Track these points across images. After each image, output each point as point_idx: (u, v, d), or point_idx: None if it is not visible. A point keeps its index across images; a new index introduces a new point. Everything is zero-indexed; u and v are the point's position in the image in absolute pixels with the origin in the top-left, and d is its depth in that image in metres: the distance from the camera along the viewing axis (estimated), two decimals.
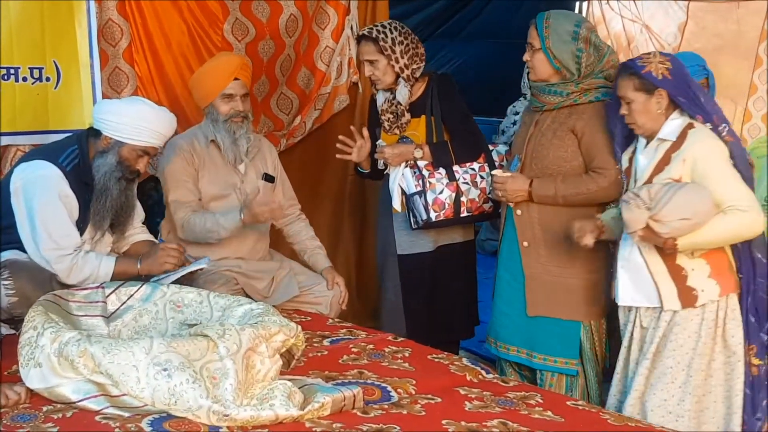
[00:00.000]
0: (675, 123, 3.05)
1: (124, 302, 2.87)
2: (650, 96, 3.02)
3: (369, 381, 2.73)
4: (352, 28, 4.88)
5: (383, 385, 2.69)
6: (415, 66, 3.91)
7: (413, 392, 2.67)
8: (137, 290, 2.90)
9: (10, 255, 3.18)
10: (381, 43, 3.86)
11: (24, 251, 3.23)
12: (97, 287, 2.90)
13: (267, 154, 3.98)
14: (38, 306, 2.60)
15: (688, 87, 3.03)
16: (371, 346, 3.12)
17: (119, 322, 2.82)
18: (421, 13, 7.06)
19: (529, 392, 2.74)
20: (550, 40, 3.36)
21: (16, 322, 3.05)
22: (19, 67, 3.73)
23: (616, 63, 3.39)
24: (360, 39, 3.99)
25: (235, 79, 3.72)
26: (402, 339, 3.26)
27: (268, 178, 3.92)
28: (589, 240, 3.15)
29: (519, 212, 3.46)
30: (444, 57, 7.16)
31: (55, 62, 3.84)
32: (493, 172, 3.57)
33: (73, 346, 2.33)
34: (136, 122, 3.30)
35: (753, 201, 2.94)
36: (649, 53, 3.12)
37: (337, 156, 4.06)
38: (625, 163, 3.23)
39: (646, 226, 2.91)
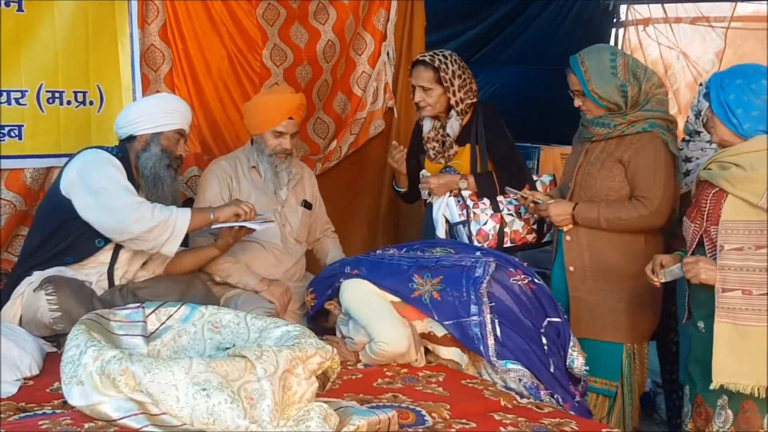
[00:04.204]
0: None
1: (164, 322, 2.91)
2: (330, 314, 3.44)
3: (403, 405, 2.74)
4: (388, 54, 4.94)
5: (417, 408, 2.70)
6: (468, 101, 3.92)
7: (447, 417, 2.66)
8: (176, 310, 2.94)
9: (53, 271, 3.25)
10: (442, 73, 3.84)
11: (64, 265, 3.30)
12: (138, 307, 2.94)
13: (307, 180, 4.04)
14: (81, 325, 2.64)
15: (325, 282, 3.42)
16: (405, 370, 3.13)
17: (158, 342, 2.86)
18: (458, 40, 7.10)
19: (564, 419, 2.72)
20: (592, 82, 3.38)
21: (58, 337, 3.11)
22: (63, 91, 3.82)
23: (659, 83, 3.43)
24: (418, 64, 3.93)
25: (290, 118, 3.78)
26: (436, 363, 3.26)
27: (307, 205, 3.98)
28: None
29: (568, 238, 3.51)
30: (480, 82, 7.16)
31: (98, 86, 3.93)
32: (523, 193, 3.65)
33: (115, 365, 2.36)
34: (161, 109, 3.46)
35: (381, 328, 3.13)
36: None
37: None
38: None
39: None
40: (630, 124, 3.38)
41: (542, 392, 3.03)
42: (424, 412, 2.67)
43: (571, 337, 3.18)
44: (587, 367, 3.18)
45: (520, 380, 3.04)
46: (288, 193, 3.92)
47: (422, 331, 3.23)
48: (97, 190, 3.23)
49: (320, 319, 3.55)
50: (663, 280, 3.01)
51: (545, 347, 3.11)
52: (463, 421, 2.63)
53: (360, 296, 3.25)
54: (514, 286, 3.18)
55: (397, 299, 3.22)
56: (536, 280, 3.23)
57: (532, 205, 3.63)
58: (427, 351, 3.27)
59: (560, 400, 3.03)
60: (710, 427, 2.86)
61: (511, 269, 3.22)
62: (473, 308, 3.10)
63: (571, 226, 3.50)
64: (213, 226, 3.48)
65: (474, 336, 3.08)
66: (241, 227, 3.50)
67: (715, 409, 2.85)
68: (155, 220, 3.23)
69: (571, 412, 2.92)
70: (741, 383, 2.70)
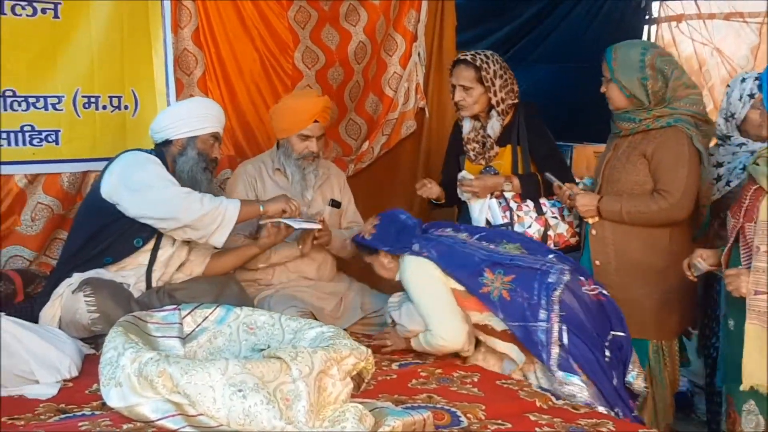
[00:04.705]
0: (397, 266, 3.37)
1: (200, 324, 2.93)
2: (377, 255, 3.44)
3: (438, 405, 2.73)
4: (419, 55, 4.94)
5: (453, 409, 2.69)
6: (510, 101, 3.89)
7: (483, 417, 2.66)
8: (212, 312, 2.97)
9: (92, 273, 3.30)
10: (483, 72, 3.80)
11: (103, 266, 3.35)
12: (174, 309, 2.97)
13: (334, 179, 4.05)
14: (119, 327, 2.68)
15: (391, 232, 3.38)
16: (440, 371, 3.13)
17: (195, 344, 2.89)
18: (488, 39, 7.08)
19: (601, 419, 2.70)
20: (619, 71, 3.40)
21: (96, 338, 3.16)
22: (99, 96, 3.87)
23: (690, 84, 3.42)
24: (459, 63, 3.89)
25: (315, 121, 3.78)
26: (470, 364, 3.26)
27: (335, 204, 3.97)
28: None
29: (594, 232, 3.50)
30: None
31: (133, 91, 3.98)
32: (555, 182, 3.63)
33: (153, 366, 2.39)
34: (195, 113, 3.50)
35: (441, 322, 3.15)
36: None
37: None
38: None
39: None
40: (655, 119, 3.39)
41: (600, 408, 2.97)
42: (459, 413, 2.66)
43: (632, 353, 3.15)
44: (646, 385, 3.16)
45: (575, 396, 2.99)
46: (314, 193, 3.94)
47: (478, 322, 3.20)
48: (141, 189, 3.27)
49: (364, 252, 3.53)
50: (696, 274, 3.01)
51: (607, 359, 3.07)
52: (499, 421, 2.62)
53: (424, 281, 3.22)
54: (584, 296, 3.13)
55: (461, 288, 3.20)
56: (604, 292, 3.19)
57: (566, 195, 3.62)
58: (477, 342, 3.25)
59: (620, 414, 2.99)
60: (738, 429, 2.83)
61: (582, 278, 3.18)
62: (542, 314, 3.05)
63: (597, 218, 3.49)
64: (261, 221, 3.51)
65: (539, 342, 3.04)
66: (287, 227, 3.54)
67: (740, 414, 2.81)
68: (205, 209, 3.26)
69: None
70: None
